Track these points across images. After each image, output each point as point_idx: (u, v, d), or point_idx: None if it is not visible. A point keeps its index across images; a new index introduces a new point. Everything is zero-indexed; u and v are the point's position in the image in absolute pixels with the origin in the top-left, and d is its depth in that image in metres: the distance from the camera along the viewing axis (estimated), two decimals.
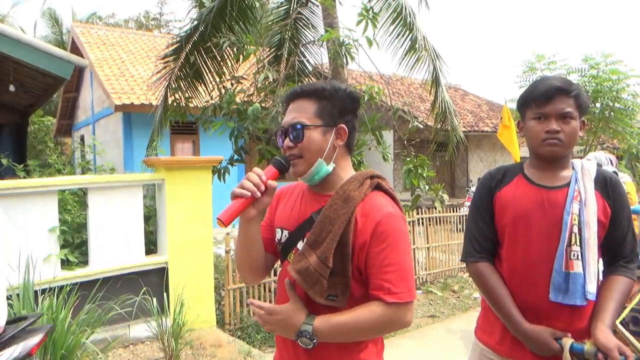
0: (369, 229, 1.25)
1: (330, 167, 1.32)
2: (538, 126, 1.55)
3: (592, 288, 1.49)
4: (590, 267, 1.50)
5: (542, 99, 1.54)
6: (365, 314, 1.23)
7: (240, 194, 1.19)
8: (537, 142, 1.57)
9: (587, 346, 1.41)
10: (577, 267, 1.49)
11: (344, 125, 1.34)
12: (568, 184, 1.56)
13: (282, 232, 1.40)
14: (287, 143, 1.33)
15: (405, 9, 5.77)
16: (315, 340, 1.22)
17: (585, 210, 1.51)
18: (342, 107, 1.35)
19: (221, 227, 1.20)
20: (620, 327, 1.53)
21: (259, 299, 4.79)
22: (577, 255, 1.49)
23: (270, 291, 4.82)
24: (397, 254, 1.24)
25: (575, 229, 1.50)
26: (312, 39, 6.28)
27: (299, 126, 1.31)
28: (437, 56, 6.10)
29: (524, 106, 1.62)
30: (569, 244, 1.50)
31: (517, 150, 6.16)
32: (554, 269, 1.50)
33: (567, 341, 1.44)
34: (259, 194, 1.21)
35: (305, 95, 1.35)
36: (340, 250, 1.24)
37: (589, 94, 9.65)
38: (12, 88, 6.30)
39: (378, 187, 1.34)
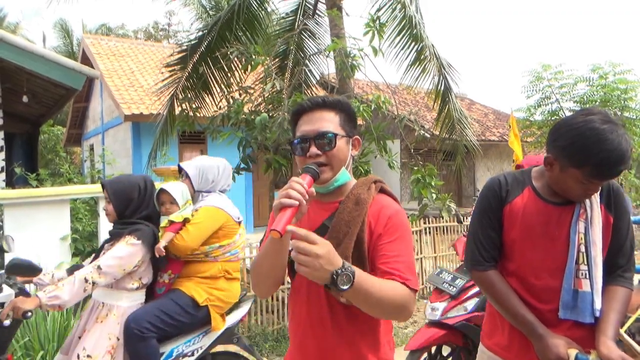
0: (382, 223, 1.34)
1: (349, 175, 1.42)
2: (581, 187, 1.48)
3: (599, 305, 1.50)
4: (597, 284, 1.51)
5: (610, 177, 1.46)
6: (393, 286, 1.24)
7: (290, 203, 1.17)
8: (572, 194, 1.52)
9: (592, 357, 1.42)
10: (586, 285, 1.50)
11: (358, 137, 1.46)
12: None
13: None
14: (314, 151, 1.35)
15: (412, 20, 5.83)
16: (353, 282, 1.14)
17: (592, 229, 1.51)
18: (354, 120, 1.45)
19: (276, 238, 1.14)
20: (625, 336, 1.54)
21: (268, 308, 4.80)
22: (585, 274, 1.51)
23: (278, 300, 4.83)
24: (405, 246, 1.34)
25: (582, 248, 1.51)
26: (318, 49, 6.35)
27: (331, 135, 1.36)
28: (448, 65, 6.14)
29: (574, 161, 1.44)
30: (577, 262, 1.51)
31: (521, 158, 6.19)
32: (563, 288, 1.51)
33: (572, 351, 1.44)
34: (304, 202, 1.20)
35: (327, 106, 1.41)
36: (357, 250, 1.32)
37: (597, 103, 9.63)
38: (25, 99, 6.42)
39: (382, 190, 1.44)
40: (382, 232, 1.33)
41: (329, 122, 1.38)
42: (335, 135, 1.36)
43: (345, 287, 1.13)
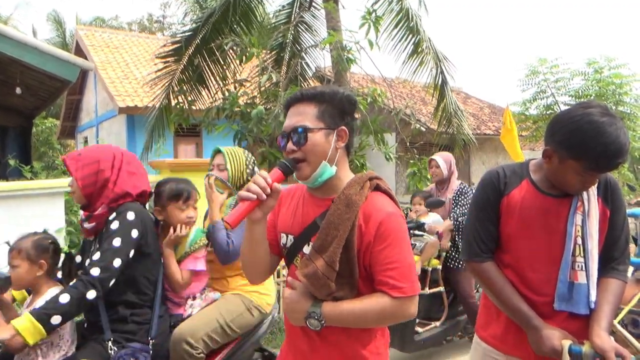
0: (372, 230, 1.30)
1: (333, 170, 1.35)
2: (580, 180, 1.48)
3: (594, 297, 1.51)
4: (593, 276, 1.52)
5: (608, 170, 1.46)
6: (372, 305, 1.29)
7: (247, 196, 1.22)
8: (569, 187, 1.52)
9: (585, 348, 1.42)
10: (582, 277, 1.51)
11: (344, 128, 1.38)
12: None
13: (287, 237, 1.44)
14: (290, 147, 1.33)
15: (409, 12, 5.81)
16: (323, 322, 1.28)
17: (589, 222, 1.52)
18: (341, 109, 1.38)
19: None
20: (618, 327, 1.56)
21: None
22: (581, 266, 1.52)
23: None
24: (399, 251, 1.30)
25: (579, 240, 1.52)
26: (314, 42, 6.33)
27: (301, 129, 1.32)
28: (444, 58, 6.14)
29: (573, 153, 1.44)
30: (573, 254, 1.52)
31: (518, 153, 6.18)
32: (559, 280, 1.52)
33: (566, 342, 1.45)
34: (264, 196, 1.23)
35: (305, 100, 1.37)
36: (346, 254, 1.29)
37: (592, 97, 9.67)
38: (18, 90, 6.34)
39: (377, 188, 1.38)
40: (373, 239, 1.29)
41: (304, 115, 1.34)
42: (306, 129, 1.32)
43: (318, 329, 1.29)
